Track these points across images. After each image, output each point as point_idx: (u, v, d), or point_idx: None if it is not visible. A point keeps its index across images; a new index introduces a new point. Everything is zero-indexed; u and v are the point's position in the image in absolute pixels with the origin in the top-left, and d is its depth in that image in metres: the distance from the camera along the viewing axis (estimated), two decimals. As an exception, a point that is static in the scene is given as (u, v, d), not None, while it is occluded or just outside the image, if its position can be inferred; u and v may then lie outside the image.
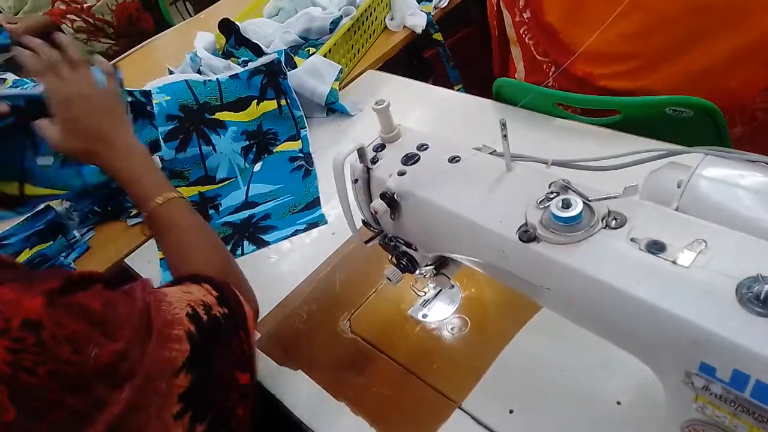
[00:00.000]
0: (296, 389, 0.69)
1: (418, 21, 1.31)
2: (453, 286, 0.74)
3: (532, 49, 1.00)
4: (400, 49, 1.32)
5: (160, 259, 0.92)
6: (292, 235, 0.91)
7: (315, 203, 0.96)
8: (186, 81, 1.08)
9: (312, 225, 0.92)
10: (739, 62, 0.86)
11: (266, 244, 0.91)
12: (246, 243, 0.92)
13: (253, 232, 0.94)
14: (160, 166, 1.07)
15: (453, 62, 1.41)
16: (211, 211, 1.00)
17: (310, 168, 1.03)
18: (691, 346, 0.36)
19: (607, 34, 0.90)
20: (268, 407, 0.69)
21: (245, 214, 0.98)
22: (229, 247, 0.91)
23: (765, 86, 0.89)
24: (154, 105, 1.02)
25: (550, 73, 0.98)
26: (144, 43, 1.67)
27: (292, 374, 0.70)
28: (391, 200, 0.53)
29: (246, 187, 1.04)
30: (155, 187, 0.66)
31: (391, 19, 1.34)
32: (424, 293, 0.74)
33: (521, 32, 1.02)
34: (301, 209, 0.96)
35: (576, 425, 0.58)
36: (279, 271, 0.86)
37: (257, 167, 1.07)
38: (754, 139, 0.91)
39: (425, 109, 1.11)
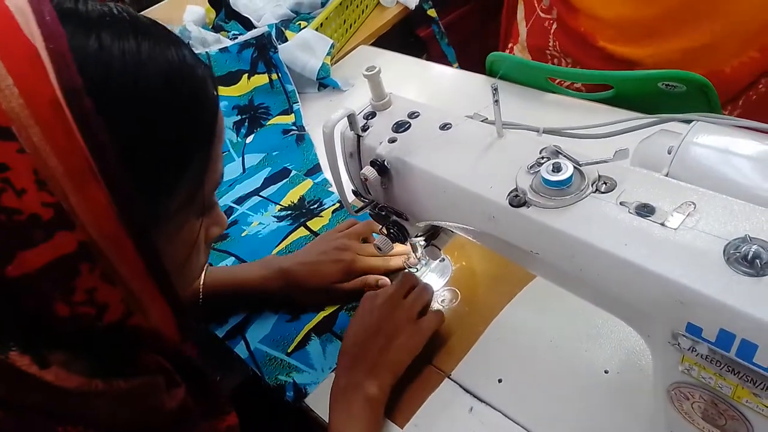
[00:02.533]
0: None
1: (411, -4, 1.29)
2: (444, 259, 0.74)
3: (536, 5, 1.00)
4: (394, 25, 1.31)
5: None
6: None
7: (316, 169, 0.95)
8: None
9: (318, 190, 0.92)
10: (736, 45, 0.86)
11: None
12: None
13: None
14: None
15: (448, 40, 1.40)
16: None
17: (303, 134, 1.02)
18: (678, 306, 0.36)
19: None
20: (257, 378, 0.69)
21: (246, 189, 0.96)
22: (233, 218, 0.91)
23: (760, 71, 0.89)
24: None
25: (552, 31, 0.98)
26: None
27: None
28: (381, 167, 0.53)
29: (241, 158, 1.03)
30: None
31: (384, -6, 1.32)
32: (416, 269, 0.74)
33: None
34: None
35: (564, 394, 0.58)
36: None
37: (249, 139, 1.06)
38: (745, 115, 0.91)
39: (418, 84, 1.10)
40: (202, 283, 0.71)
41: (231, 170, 1.01)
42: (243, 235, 0.86)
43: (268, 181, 0.95)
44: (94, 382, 0.35)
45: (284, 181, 0.94)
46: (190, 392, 0.43)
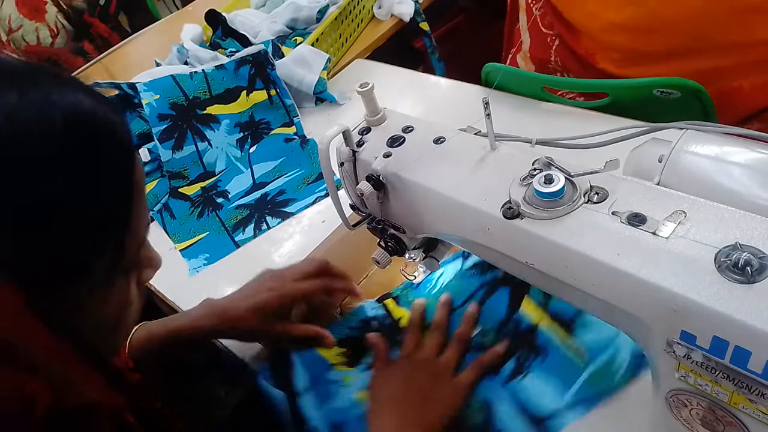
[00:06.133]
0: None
1: (405, 9, 1.30)
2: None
3: (539, 20, 1.00)
4: (389, 38, 1.32)
5: (180, 249, 0.92)
6: (315, 202, 0.93)
7: (322, 176, 0.96)
8: (172, 76, 1.07)
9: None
10: (749, 70, 0.84)
11: (290, 215, 0.92)
12: (269, 218, 0.93)
13: (272, 207, 0.95)
14: (149, 158, 1.07)
15: (439, 54, 1.41)
16: (220, 200, 1.00)
17: (307, 138, 1.05)
18: (672, 315, 0.36)
19: (603, 23, 0.90)
20: (260, 394, 0.70)
21: (257, 194, 0.98)
22: (251, 226, 0.92)
23: None
24: (144, 105, 1.02)
25: (553, 47, 0.98)
26: (131, 37, 1.66)
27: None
28: (377, 182, 0.54)
29: (249, 170, 1.04)
30: None
31: (379, 8, 1.33)
32: (413, 277, 0.74)
33: (529, 1, 1.02)
34: (314, 179, 0.97)
35: (565, 402, 0.58)
36: (271, 261, 0.86)
37: (253, 149, 1.07)
38: None
39: (414, 96, 1.11)
40: (127, 343, 0.64)
41: (241, 182, 1.02)
42: None
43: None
44: None
45: None
46: None
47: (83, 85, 0.35)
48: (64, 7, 1.79)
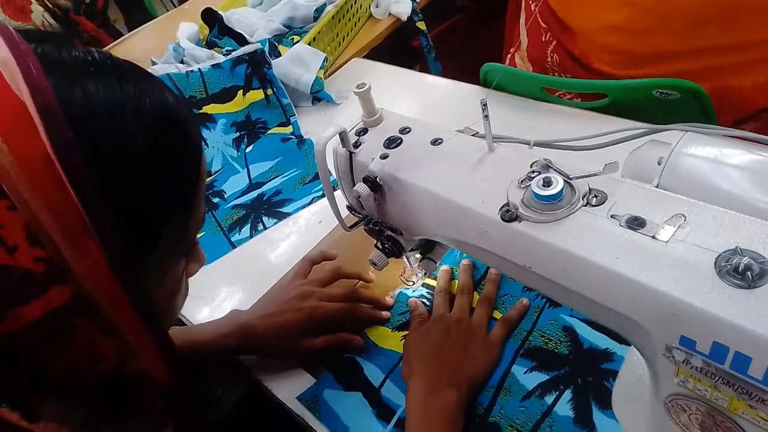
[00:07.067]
0: (286, 380, 0.69)
1: (402, 8, 1.30)
2: (440, 271, 0.74)
3: (538, 17, 0.99)
4: (386, 37, 1.32)
5: None
6: (311, 202, 0.92)
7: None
8: (168, 75, 1.07)
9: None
10: (749, 69, 0.83)
11: (286, 215, 0.92)
12: (265, 218, 0.92)
13: (268, 208, 0.94)
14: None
15: (435, 53, 1.40)
16: (216, 199, 0.99)
17: (304, 137, 1.04)
18: (671, 319, 0.36)
19: (598, 24, 0.89)
20: (257, 397, 0.69)
21: (254, 194, 0.98)
22: (247, 226, 0.92)
23: None
24: None
25: (550, 47, 0.97)
26: (126, 35, 1.65)
27: (282, 365, 0.70)
28: (374, 184, 0.53)
29: (245, 169, 1.03)
30: None
31: (376, 7, 1.33)
32: (412, 283, 0.74)
33: None
34: (311, 179, 0.96)
35: (563, 405, 0.58)
36: (268, 261, 0.86)
37: (249, 149, 1.07)
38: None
39: (412, 95, 1.10)
40: None
41: (237, 181, 1.02)
42: None
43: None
44: None
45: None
46: (177, 429, 0.43)
47: (161, 81, 0.40)
48: (50, 6, 1.77)
